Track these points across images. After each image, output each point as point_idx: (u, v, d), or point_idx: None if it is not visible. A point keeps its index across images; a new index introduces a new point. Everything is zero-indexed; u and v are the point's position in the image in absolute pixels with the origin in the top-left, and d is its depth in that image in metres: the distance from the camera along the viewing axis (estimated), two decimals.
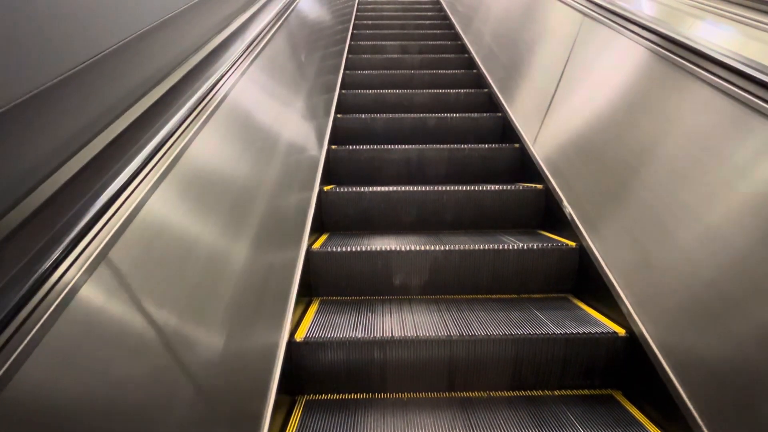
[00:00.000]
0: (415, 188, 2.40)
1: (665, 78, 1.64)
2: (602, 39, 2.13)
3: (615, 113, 1.92)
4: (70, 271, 0.62)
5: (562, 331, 1.58)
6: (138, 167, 0.81)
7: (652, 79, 1.74)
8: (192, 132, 1.03)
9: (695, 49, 1.50)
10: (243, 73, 1.47)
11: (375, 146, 2.81)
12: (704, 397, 1.22)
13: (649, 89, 1.73)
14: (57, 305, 0.59)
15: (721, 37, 1.54)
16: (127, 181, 0.78)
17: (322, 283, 1.98)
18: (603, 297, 1.73)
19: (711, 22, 1.63)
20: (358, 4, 6.17)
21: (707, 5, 1.70)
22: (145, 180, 0.83)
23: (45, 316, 0.57)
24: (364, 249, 1.97)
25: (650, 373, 1.41)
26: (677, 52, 1.58)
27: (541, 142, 2.48)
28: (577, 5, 2.39)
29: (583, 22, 2.27)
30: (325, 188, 2.39)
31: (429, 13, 5.95)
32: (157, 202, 0.85)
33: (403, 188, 2.40)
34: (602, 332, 1.58)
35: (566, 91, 2.34)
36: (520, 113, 2.92)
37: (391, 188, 2.40)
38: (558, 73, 2.43)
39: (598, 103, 2.07)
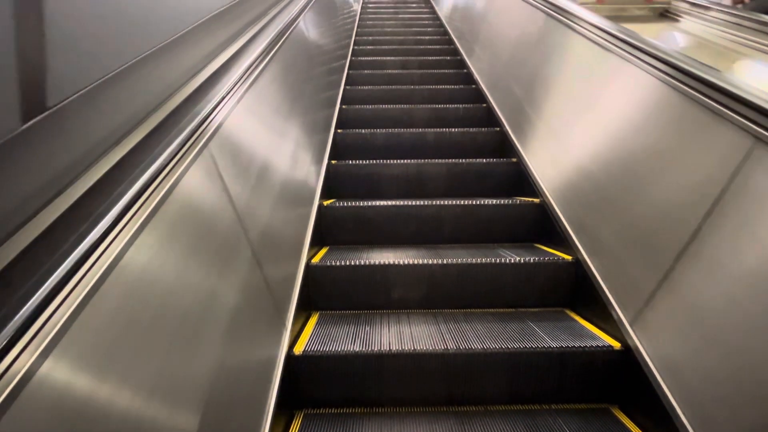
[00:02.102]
0: (414, 202, 2.43)
1: None
2: None
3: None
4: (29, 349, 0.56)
5: (558, 345, 1.60)
6: (130, 200, 0.80)
7: None
8: (188, 159, 1.05)
9: None
10: (241, 98, 1.50)
11: (374, 161, 2.84)
12: (700, 411, 1.23)
13: None
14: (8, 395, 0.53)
15: None
16: (108, 227, 0.74)
17: (321, 297, 2.00)
18: (598, 310, 1.75)
19: None
20: (359, 21, 6.26)
21: None
22: (137, 214, 0.82)
23: None
24: (363, 263, 2.00)
25: (646, 387, 1.42)
26: None
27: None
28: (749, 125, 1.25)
29: (753, 151, 1.22)
30: (325, 203, 2.42)
31: (429, 29, 6.03)
32: (148, 232, 0.87)
33: (401, 202, 2.43)
34: (598, 346, 1.59)
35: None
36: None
37: (390, 202, 2.43)
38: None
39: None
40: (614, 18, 2.21)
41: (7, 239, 0.63)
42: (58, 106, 0.76)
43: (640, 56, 1.79)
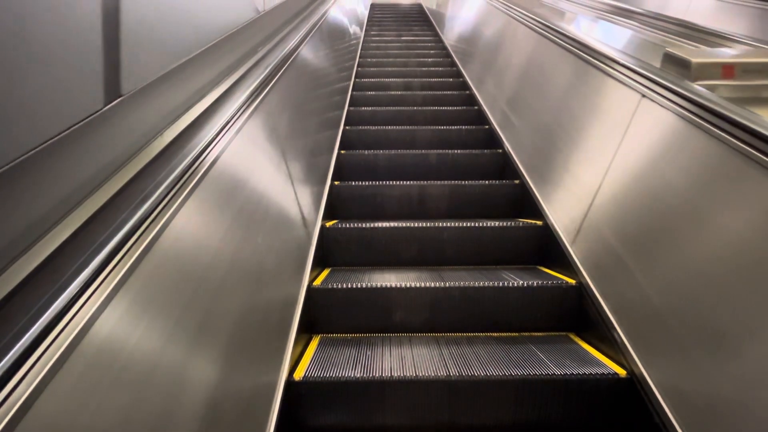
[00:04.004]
0: (416, 224, 2.43)
1: None
2: None
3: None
4: None
5: (563, 372, 1.57)
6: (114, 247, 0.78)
7: None
8: (186, 192, 1.04)
9: None
10: (242, 128, 1.51)
11: (377, 182, 2.85)
12: None
13: None
14: None
15: None
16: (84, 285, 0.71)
17: (322, 320, 1.99)
18: (603, 336, 1.73)
19: None
20: (362, 43, 6.35)
21: None
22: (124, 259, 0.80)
23: None
24: (364, 286, 1.98)
25: (652, 416, 1.40)
26: None
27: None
28: None
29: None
30: (327, 224, 2.42)
31: (432, 51, 6.10)
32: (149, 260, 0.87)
33: (404, 224, 2.43)
34: (603, 373, 1.56)
35: None
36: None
37: (392, 224, 2.42)
38: None
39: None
40: (745, 101, 1.43)
41: None
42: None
43: (656, 89, 1.75)
